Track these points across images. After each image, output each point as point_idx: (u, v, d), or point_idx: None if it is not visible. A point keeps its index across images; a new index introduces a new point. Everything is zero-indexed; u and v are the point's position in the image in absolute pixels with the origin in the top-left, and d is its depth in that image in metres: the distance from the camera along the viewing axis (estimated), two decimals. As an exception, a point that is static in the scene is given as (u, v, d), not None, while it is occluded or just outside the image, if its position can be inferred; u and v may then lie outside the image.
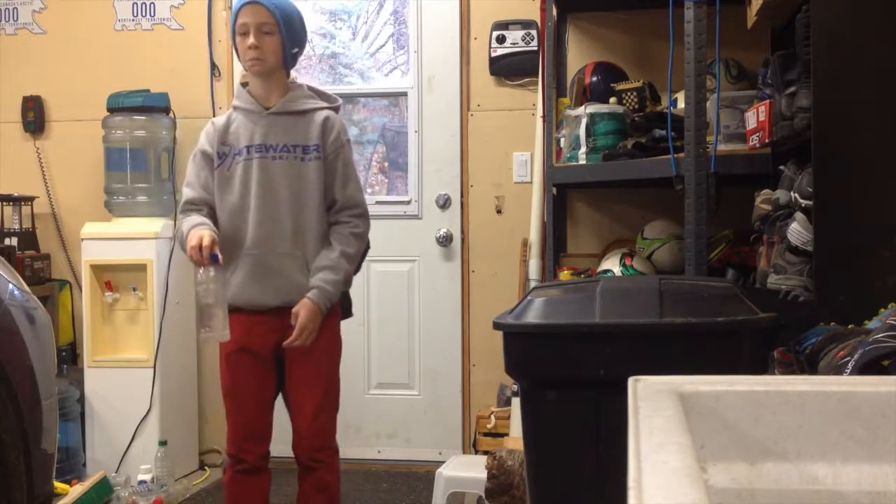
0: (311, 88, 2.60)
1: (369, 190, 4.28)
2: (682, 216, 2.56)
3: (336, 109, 2.59)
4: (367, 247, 2.76)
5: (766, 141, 2.39)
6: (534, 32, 3.88)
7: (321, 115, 2.53)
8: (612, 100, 3.19)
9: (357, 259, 2.55)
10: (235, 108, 2.56)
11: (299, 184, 2.47)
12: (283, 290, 2.46)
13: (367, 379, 4.10)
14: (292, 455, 2.59)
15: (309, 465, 2.52)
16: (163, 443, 3.62)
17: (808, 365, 1.65)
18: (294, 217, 2.46)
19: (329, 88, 4.22)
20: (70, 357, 4.11)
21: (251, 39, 2.44)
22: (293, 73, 2.66)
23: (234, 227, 2.49)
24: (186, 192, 2.53)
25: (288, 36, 2.48)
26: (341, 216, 2.51)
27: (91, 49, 4.22)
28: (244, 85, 2.59)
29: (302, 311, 2.41)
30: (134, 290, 3.81)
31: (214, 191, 2.51)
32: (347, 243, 2.49)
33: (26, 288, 2.25)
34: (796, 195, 2.10)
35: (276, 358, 2.52)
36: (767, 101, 2.38)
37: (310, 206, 2.48)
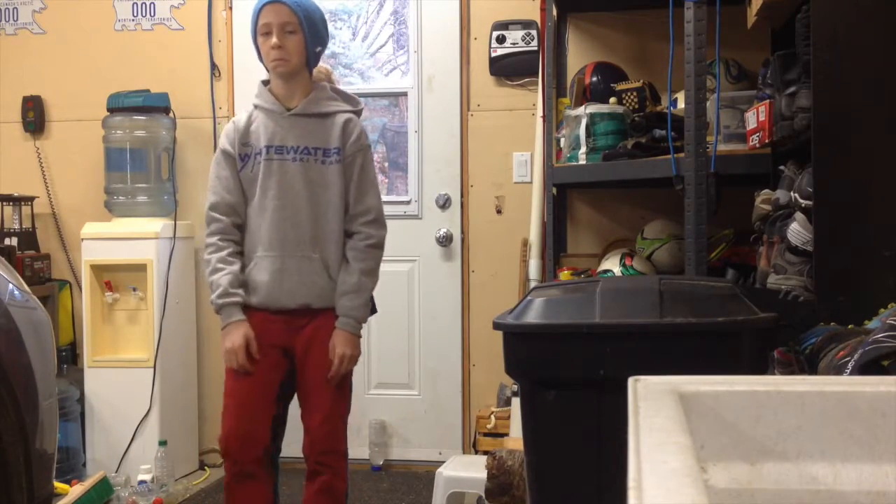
0: (334, 89, 2.57)
1: (369, 190, 4.28)
2: (682, 216, 2.55)
3: (358, 113, 2.57)
4: None
5: (766, 141, 2.39)
6: (534, 32, 3.88)
7: (342, 117, 2.51)
8: (612, 100, 3.19)
9: (377, 269, 2.56)
10: (256, 106, 2.54)
11: (319, 187, 2.46)
12: (300, 294, 2.46)
13: (367, 379, 4.09)
14: (291, 455, 2.59)
15: (316, 468, 2.50)
16: (163, 443, 3.62)
17: (808, 365, 1.65)
18: (313, 220, 2.46)
19: (329, 88, 4.24)
20: (70, 357, 4.11)
21: (274, 39, 2.41)
22: (331, 69, 2.68)
23: (255, 228, 2.48)
24: (209, 198, 2.51)
25: (311, 35, 2.45)
26: (354, 225, 2.50)
27: (91, 49, 4.22)
28: (265, 83, 2.56)
29: (337, 344, 2.45)
30: (134, 290, 3.81)
31: (241, 191, 2.50)
32: (364, 258, 2.49)
33: (26, 288, 2.25)
34: (796, 195, 2.10)
35: (289, 357, 2.52)
36: (767, 101, 2.38)
37: (329, 209, 2.47)
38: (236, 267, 2.45)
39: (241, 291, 2.45)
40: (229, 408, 2.48)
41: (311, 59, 2.50)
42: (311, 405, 2.50)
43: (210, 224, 2.49)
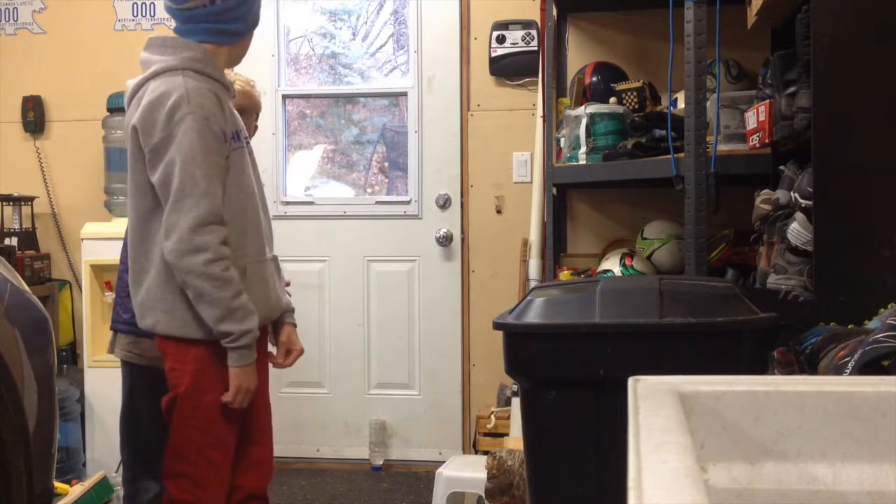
0: None
1: (369, 190, 4.28)
2: (682, 216, 2.56)
3: None
4: None
5: (766, 141, 2.39)
6: (534, 32, 3.88)
7: None
8: (612, 100, 3.19)
9: None
10: (208, 76, 2.01)
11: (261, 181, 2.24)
12: (283, 300, 2.22)
13: (367, 379, 4.09)
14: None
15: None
16: (163, 443, 3.62)
17: (808, 365, 1.65)
18: (268, 218, 2.20)
19: (329, 88, 4.25)
20: (70, 357, 4.11)
21: None
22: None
23: (232, 231, 2.02)
24: (210, 191, 1.92)
25: None
26: None
27: (91, 49, 4.22)
28: (200, 45, 2.04)
29: (295, 336, 2.24)
30: (134, 290, 3.80)
31: None
32: None
33: (26, 287, 2.25)
34: (796, 195, 2.10)
35: None
36: (767, 101, 2.38)
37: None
38: None
39: None
40: (224, 461, 2.09)
41: None
42: (259, 432, 2.20)
43: (212, 227, 1.94)
